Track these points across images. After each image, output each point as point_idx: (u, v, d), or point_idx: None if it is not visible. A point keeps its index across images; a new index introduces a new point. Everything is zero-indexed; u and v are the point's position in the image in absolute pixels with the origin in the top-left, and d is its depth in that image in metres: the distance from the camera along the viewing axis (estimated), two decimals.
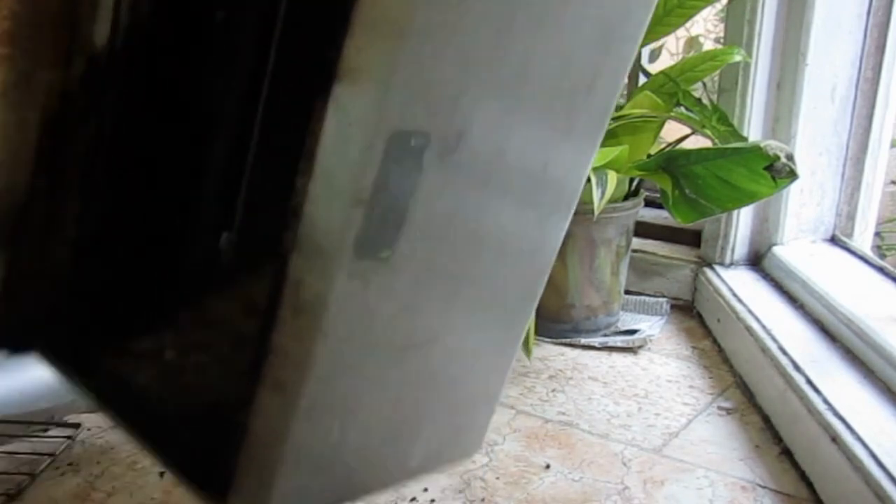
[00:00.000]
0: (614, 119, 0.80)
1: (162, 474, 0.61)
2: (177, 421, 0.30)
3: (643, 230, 1.02)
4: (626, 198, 0.85)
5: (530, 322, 0.75)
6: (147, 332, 0.32)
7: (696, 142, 0.81)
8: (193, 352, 0.30)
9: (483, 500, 0.58)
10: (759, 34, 0.84)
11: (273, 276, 0.25)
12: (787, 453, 0.63)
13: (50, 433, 0.67)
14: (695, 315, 0.93)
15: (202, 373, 0.30)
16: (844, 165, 0.89)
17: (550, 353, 0.83)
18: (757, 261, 0.93)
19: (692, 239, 0.98)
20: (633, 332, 0.86)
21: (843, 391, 0.62)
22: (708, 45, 1.64)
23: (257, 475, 0.26)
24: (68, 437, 0.66)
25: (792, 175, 0.69)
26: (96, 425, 0.69)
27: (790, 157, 0.69)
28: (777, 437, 0.66)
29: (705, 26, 1.64)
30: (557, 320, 0.86)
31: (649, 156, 0.82)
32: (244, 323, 0.27)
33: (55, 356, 0.35)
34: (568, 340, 0.85)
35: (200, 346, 0.30)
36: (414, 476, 0.34)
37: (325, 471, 0.28)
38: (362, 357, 0.28)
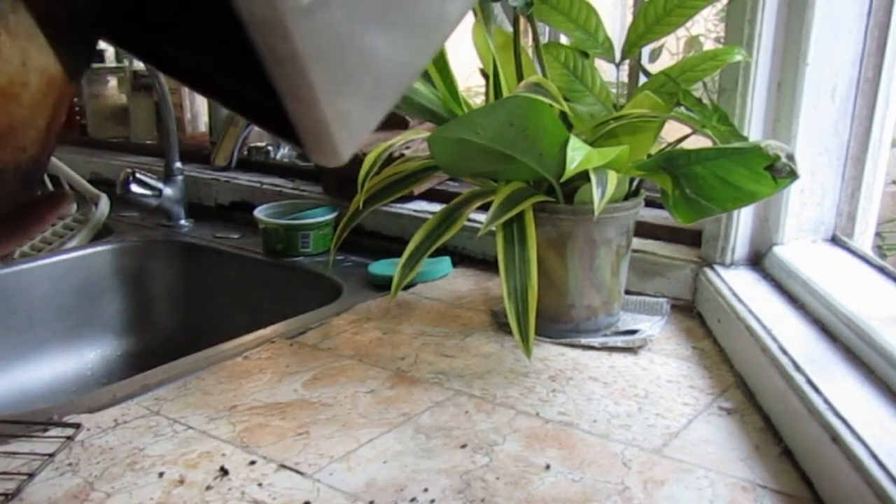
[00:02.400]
0: (614, 119, 0.80)
1: (161, 474, 0.61)
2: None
3: (643, 230, 1.02)
4: (626, 198, 0.85)
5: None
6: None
7: (697, 142, 0.81)
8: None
9: (483, 500, 0.58)
10: (760, 34, 0.84)
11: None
12: (787, 453, 0.63)
13: (49, 433, 0.67)
14: (695, 315, 0.93)
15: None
16: (845, 165, 0.89)
17: (550, 353, 0.83)
18: (757, 261, 0.93)
19: (692, 239, 0.98)
20: (633, 332, 0.86)
21: (843, 391, 0.62)
22: (708, 45, 1.64)
23: (318, 143, 0.32)
24: (68, 438, 0.66)
25: (792, 175, 0.69)
26: (96, 425, 0.69)
27: (791, 157, 0.69)
28: (777, 438, 0.66)
29: (705, 26, 1.64)
30: (557, 320, 0.86)
31: (649, 156, 0.82)
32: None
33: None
34: (568, 340, 0.85)
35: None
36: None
37: (378, 93, 0.34)
38: (362, 27, 0.31)
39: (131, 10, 0.36)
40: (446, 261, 1.10)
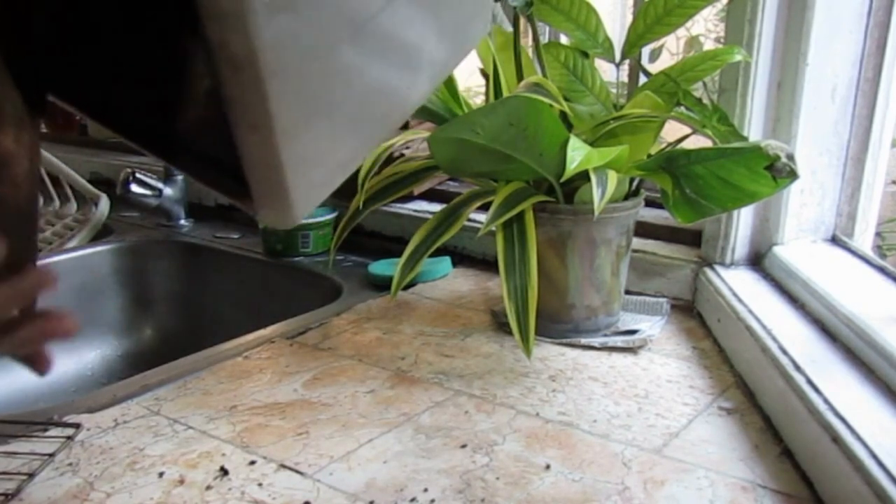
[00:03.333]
0: (614, 119, 0.80)
1: (161, 474, 0.61)
2: (194, 157, 0.33)
3: (643, 230, 1.02)
4: (626, 198, 0.85)
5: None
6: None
7: (697, 142, 0.81)
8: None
9: (483, 500, 0.58)
10: (760, 34, 0.84)
11: (203, 45, 0.27)
12: (787, 453, 0.63)
13: (49, 433, 0.67)
14: (695, 315, 0.93)
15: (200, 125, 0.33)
16: (845, 165, 0.89)
17: (550, 353, 0.83)
18: (757, 261, 0.93)
19: (692, 239, 0.98)
20: (633, 332, 0.86)
21: (843, 391, 0.62)
22: (708, 45, 1.64)
23: (270, 190, 0.29)
24: (68, 438, 0.66)
25: (792, 175, 0.69)
26: (96, 425, 0.69)
27: (791, 157, 0.69)
28: (777, 438, 0.66)
29: (705, 26, 1.64)
30: (557, 320, 0.86)
31: (649, 156, 0.82)
32: (202, 85, 0.29)
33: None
34: (568, 340, 0.85)
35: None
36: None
37: (331, 153, 0.31)
38: (324, 60, 0.29)
39: (78, 60, 0.34)
40: (446, 261, 1.10)
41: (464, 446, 0.65)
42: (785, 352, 0.69)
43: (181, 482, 0.60)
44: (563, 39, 1.09)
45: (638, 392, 0.75)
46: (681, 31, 1.26)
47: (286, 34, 0.27)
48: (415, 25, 0.32)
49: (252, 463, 0.63)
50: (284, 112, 0.28)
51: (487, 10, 0.38)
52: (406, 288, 1.00)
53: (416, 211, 1.17)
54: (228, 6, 0.26)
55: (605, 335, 0.86)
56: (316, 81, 0.29)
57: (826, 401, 0.60)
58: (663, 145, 0.85)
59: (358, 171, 0.87)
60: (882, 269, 0.82)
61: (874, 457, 0.53)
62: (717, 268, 0.92)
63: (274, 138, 0.28)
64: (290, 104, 0.28)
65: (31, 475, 0.60)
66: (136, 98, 0.34)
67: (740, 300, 0.82)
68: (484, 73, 0.98)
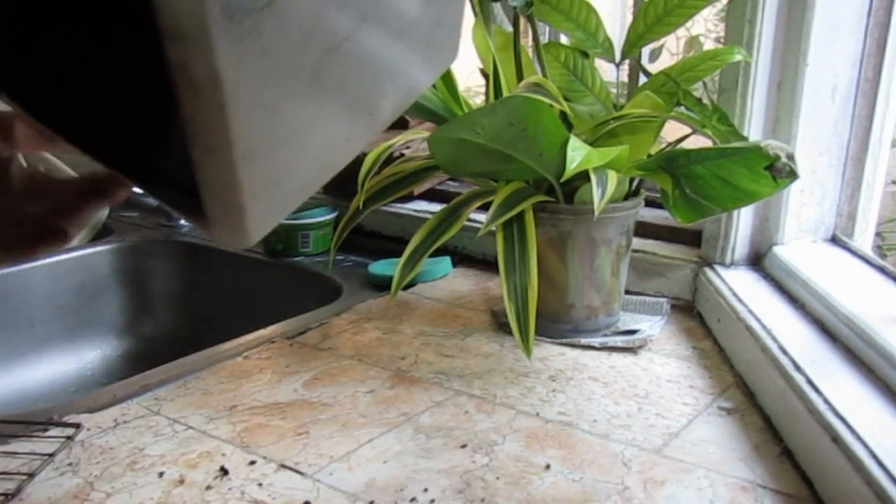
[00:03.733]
0: (614, 119, 0.80)
1: (161, 474, 0.61)
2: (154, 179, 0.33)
3: (643, 230, 1.02)
4: (626, 198, 0.85)
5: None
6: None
7: (697, 142, 0.81)
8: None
9: (483, 500, 0.58)
10: (760, 34, 0.84)
11: (162, 66, 0.26)
12: (787, 453, 0.63)
13: (49, 433, 0.67)
14: (695, 315, 0.93)
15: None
16: (845, 165, 0.89)
17: (550, 353, 0.83)
18: (757, 261, 0.93)
19: (692, 239, 0.98)
20: (633, 332, 0.86)
21: (843, 391, 0.62)
22: (708, 45, 1.64)
23: (225, 212, 0.29)
24: (68, 438, 0.66)
25: (792, 175, 0.69)
26: (96, 425, 0.69)
27: (791, 157, 0.69)
28: (777, 438, 0.66)
29: (705, 26, 1.65)
30: (557, 320, 0.86)
31: (649, 156, 0.82)
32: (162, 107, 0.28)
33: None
34: (568, 340, 0.85)
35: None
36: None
37: (290, 177, 0.31)
38: (285, 89, 0.28)
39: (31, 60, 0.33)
40: (446, 261, 1.10)
41: (464, 446, 0.65)
42: (785, 352, 0.69)
43: (181, 482, 0.60)
44: (563, 39, 1.09)
45: (638, 392, 0.75)
46: (681, 31, 1.26)
47: (249, 58, 0.26)
48: (382, 52, 0.32)
49: (252, 463, 0.63)
50: (244, 136, 0.27)
51: (456, 36, 0.38)
52: (406, 288, 1.00)
53: (416, 211, 1.17)
54: (190, 27, 0.25)
55: (605, 335, 0.86)
56: (278, 106, 0.28)
57: (826, 401, 0.60)
58: (663, 145, 0.85)
59: (358, 172, 0.87)
60: (882, 269, 0.82)
61: (874, 457, 0.53)
62: (717, 268, 0.92)
63: (232, 161, 0.27)
64: (251, 128, 0.27)
65: (31, 475, 0.60)
66: (83, 105, 0.33)
67: (740, 300, 0.82)
68: (484, 73, 0.98)
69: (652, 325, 0.88)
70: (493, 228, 0.77)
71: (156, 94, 0.28)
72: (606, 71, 0.89)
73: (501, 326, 0.90)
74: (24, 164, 0.43)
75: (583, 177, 0.73)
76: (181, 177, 0.30)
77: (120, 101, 0.31)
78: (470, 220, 0.85)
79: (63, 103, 0.33)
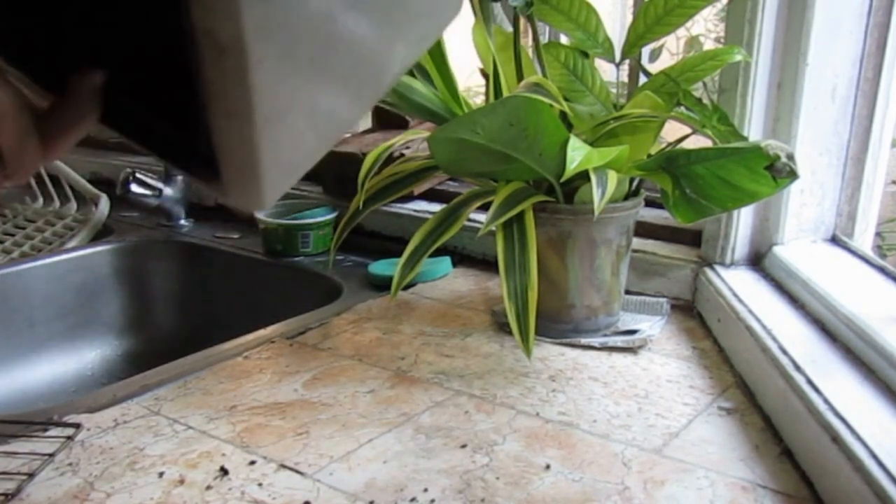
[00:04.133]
0: (614, 119, 0.80)
1: (161, 474, 0.61)
2: (174, 147, 0.32)
3: (643, 230, 1.02)
4: (626, 198, 0.85)
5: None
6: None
7: (697, 142, 0.81)
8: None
9: (483, 500, 0.58)
10: (760, 34, 0.84)
11: (188, 33, 0.26)
12: (787, 453, 0.63)
13: (49, 433, 0.67)
14: (695, 315, 0.93)
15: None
16: (845, 165, 0.89)
17: (550, 353, 0.83)
18: (757, 261, 0.93)
19: (692, 239, 0.98)
20: (633, 332, 0.86)
21: (843, 391, 0.62)
22: (708, 45, 1.64)
23: (241, 176, 0.29)
24: (68, 438, 0.66)
25: (792, 175, 0.69)
26: (96, 425, 0.69)
27: (791, 157, 0.69)
28: (777, 438, 0.66)
29: (705, 26, 1.65)
30: (557, 320, 0.86)
31: (649, 156, 0.82)
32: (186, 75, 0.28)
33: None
34: (568, 340, 0.85)
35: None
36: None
37: (305, 141, 0.31)
38: (299, 55, 0.28)
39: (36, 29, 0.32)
40: (446, 261, 1.10)
41: (464, 446, 0.65)
42: (785, 352, 0.69)
43: (181, 482, 0.60)
44: (563, 39, 1.09)
45: (638, 392, 0.75)
46: (681, 31, 1.26)
47: (275, 20, 0.26)
48: (387, 15, 0.32)
49: (252, 463, 0.63)
50: (263, 102, 0.27)
51: None
52: (406, 288, 1.00)
53: (416, 211, 1.17)
54: None
55: (605, 335, 0.86)
56: (292, 74, 0.28)
57: (826, 401, 0.60)
58: (663, 145, 0.85)
59: (358, 172, 0.87)
60: (882, 269, 0.82)
61: (874, 457, 0.53)
62: (717, 268, 0.92)
63: (251, 127, 0.27)
64: (269, 95, 0.27)
65: (31, 475, 0.60)
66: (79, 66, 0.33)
67: (740, 300, 0.82)
68: (484, 73, 0.98)
69: (652, 325, 0.88)
70: (493, 228, 0.77)
71: (159, 62, 0.28)
72: (606, 71, 0.89)
73: (501, 326, 0.90)
74: None
75: (583, 177, 0.73)
76: (194, 142, 0.29)
77: (121, 66, 0.31)
78: (470, 220, 0.85)
79: (60, 66, 0.33)
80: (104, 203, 1.33)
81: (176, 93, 0.29)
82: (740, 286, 0.86)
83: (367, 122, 1.40)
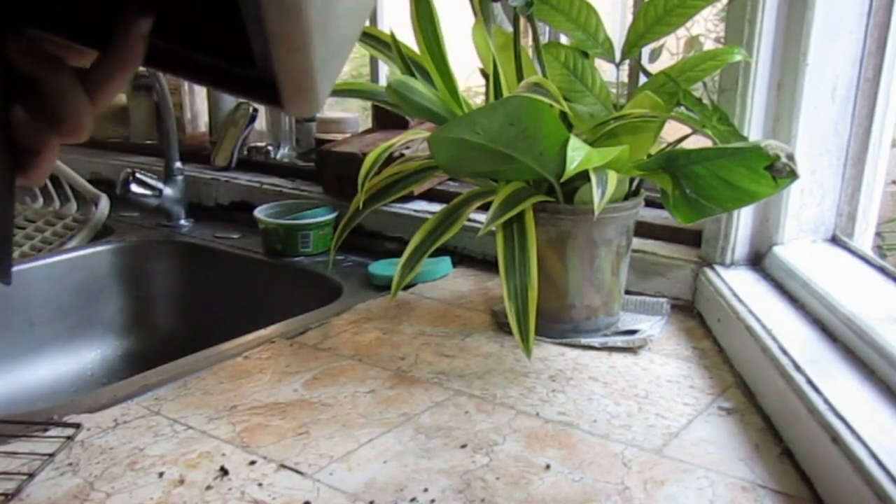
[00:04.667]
0: (614, 119, 0.80)
1: (161, 474, 0.61)
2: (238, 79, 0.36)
3: (643, 230, 1.02)
4: (626, 198, 0.85)
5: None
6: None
7: (697, 142, 0.81)
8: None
9: (483, 500, 0.58)
10: (760, 34, 0.84)
11: None
12: (787, 453, 0.63)
13: (49, 433, 0.67)
14: (695, 315, 0.93)
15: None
16: (845, 165, 0.89)
17: (550, 354, 0.83)
18: (757, 261, 0.93)
19: (692, 239, 0.98)
20: (633, 332, 0.86)
21: (843, 391, 0.62)
22: (708, 45, 1.64)
23: (301, 93, 0.33)
24: (68, 438, 0.66)
25: (792, 175, 0.69)
26: (96, 425, 0.69)
27: (791, 157, 0.69)
28: (777, 438, 0.66)
29: (705, 26, 1.65)
30: (557, 320, 0.86)
31: (649, 156, 0.82)
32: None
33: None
34: (568, 340, 0.85)
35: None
36: None
37: (336, 56, 0.35)
38: None
39: None
40: (446, 261, 1.10)
41: (464, 446, 0.65)
42: (785, 352, 0.69)
43: (181, 482, 0.60)
44: (563, 39, 1.09)
45: (638, 392, 0.75)
46: (681, 31, 1.26)
47: None
48: None
49: (252, 463, 0.63)
50: (314, 29, 0.31)
51: None
52: (406, 288, 1.00)
53: (416, 211, 1.17)
54: None
55: (605, 335, 0.86)
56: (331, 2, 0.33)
57: (826, 401, 0.60)
58: (663, 145, 0.85)
59: (358, 172, 0.87)
60: (882, 269, 0.82)
61: (874, 457, 0.53)
62: (717, 268, 0.92)
63: (310, 57, 0.31)
64: (319, 25, 0.31)
65: (31, 475, 0.60)
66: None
67: (740, 300, 0.82)
68: (484, 73, 0.98)
69: (652, 325, 0.88)
70: (493, 228, 0.77)
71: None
72: (606, 71, 0.89)
73: (501, 326, 0.90)
74: None
75: (583, 177, 0.73)
76: (245, 72, 0.33)
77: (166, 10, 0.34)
78: (470, 220, 0.85)
79: (100, 21, 0.35)
80: (104, 203, 1.33)
81: (227, 29, 0.33)
82: (740, 286, 0.86)
83: (367, 122, 1.40)
